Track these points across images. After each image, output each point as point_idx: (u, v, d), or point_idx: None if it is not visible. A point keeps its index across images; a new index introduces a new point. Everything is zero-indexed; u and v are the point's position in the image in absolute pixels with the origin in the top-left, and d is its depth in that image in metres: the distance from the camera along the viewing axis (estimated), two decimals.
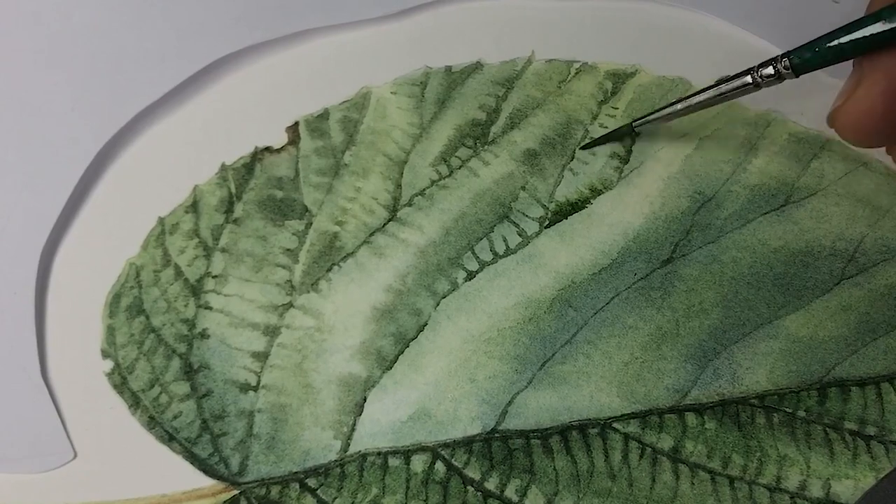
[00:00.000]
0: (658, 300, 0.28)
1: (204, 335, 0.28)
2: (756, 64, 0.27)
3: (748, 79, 0.27)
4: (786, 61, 0.26)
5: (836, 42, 0.25)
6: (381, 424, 0.27)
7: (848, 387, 0.27)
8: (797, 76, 0.26)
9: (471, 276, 0.29)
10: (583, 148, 0.31)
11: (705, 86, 0.28)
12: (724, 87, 0.28)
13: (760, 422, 0.27)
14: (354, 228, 0.30)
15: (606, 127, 0.31)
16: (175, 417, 0.27)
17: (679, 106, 0.29)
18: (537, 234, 0.30)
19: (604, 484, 0.26)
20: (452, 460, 0.26)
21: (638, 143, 0.31)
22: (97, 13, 0.33)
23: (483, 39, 0.33)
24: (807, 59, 0.26)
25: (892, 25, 0.24)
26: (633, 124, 0.30)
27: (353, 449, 0.27)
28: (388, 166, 0.31)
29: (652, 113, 0.29)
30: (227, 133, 0.31)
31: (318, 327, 0.28)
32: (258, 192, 0.30)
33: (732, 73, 0.28)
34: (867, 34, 0.24)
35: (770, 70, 0.27)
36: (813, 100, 0.32)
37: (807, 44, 0.26)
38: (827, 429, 0.27)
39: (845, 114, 0.25)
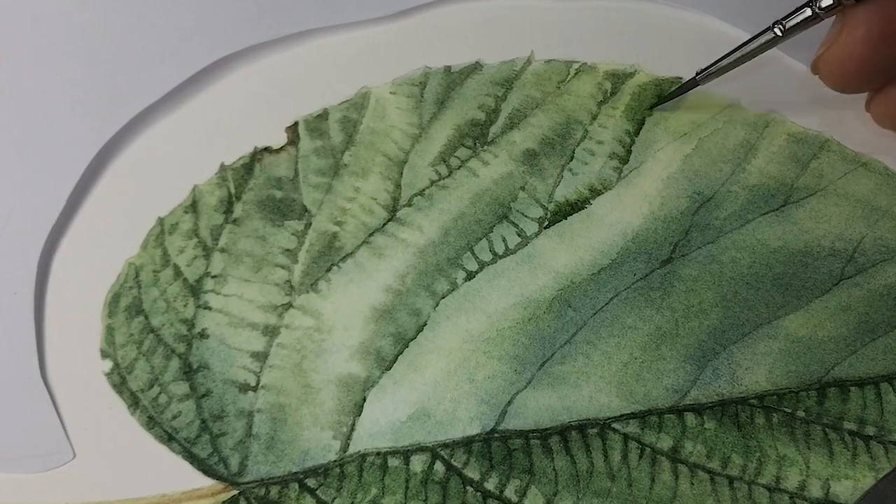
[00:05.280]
0: (657, 300, 0.28)
1: (203, 335, 0.28)
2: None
3: (807, 11, 0.27)
4: None
5: None
6: (381, 424, 0.27)
7: (847, 387, 0.27)
8: (857, 1, 0.26)
9: (470, 276, 0.29)
10: (652, 108, 0.31)
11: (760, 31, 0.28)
12: (784, 26, 0.28)
13: (760, 422, 0.27)
14: (354, 228, 0.30)
15: (606, 127, 0.31)
16: (174, 417, 0.27)
17: (741, 52, 0.29)
18: (536, 234, 0.30)
19: (603, 484, 0.26)
20: (452, 460, 0.26)
21: (637, 143, 0.31)
22: (97, 13, 0.33)
23: (482, 39, 0.33)
24: None
25: None
26: (697, 77, 0.30)
27: (352, 449, 0.27)
28: (388, 166, 0.31)
29: (714, 63, 0.29)
30: (227, 133, 0.31)
31: (317, 327, 0.28)
32: (257, 192, 0.30)
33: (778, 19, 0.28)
34: None
35: (829, 0, 0.27)
36: (812, 100, 0.32)
37: None
38: (826, 429, 0.27)
39: (827, 60, 0.27)
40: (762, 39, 0.28)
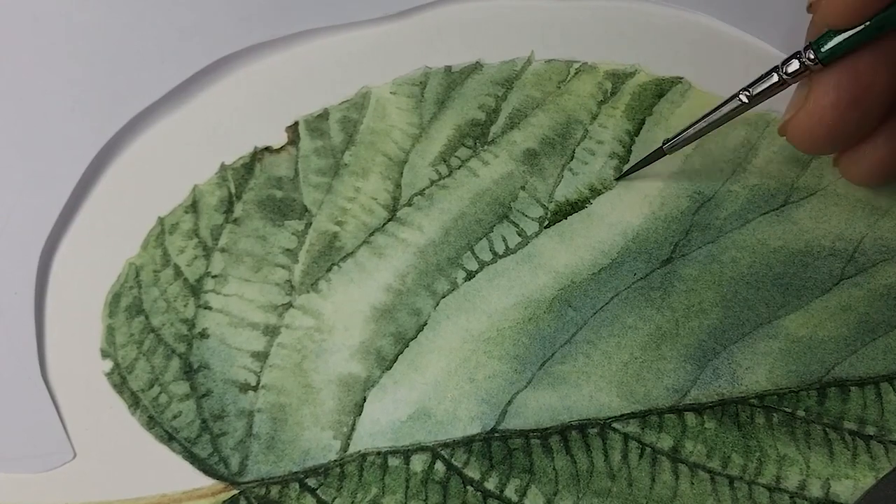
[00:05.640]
0: (657, 300, 0.28)
1: (203, 335, 0.28)
2: (763, 67, 0.27)
3: (774, 77, 0.27)
4: (810, 52, 0.26)
5: (862, 24, 0.25)
6: (381, 424, 0.27)
7: (847, 387, 0.27)
8: (825, 65, 0.26)
9: (470, 275, 0.29)
10: (618, 179, 0.30)
11: (727, 97, 0.28)
12: (750, 92, 0.27)
13: (760, 422, 0.27)
14: (354, 228, 0.30)
15: (606, 127, 0.31)
16: (174, 417, 0.27)
17: (707, 121, 0.28)
18: (537, 233, 0.30)
19: (603, 484, 0.26)
20: (452, 460, 0.26)
21: (637, 143, 0.31)
22: (97, 13, 0.33)
23: (483, 39, 0.33)
24: (834, 45, 0.25)
25: None
26: (664, 147, 0.29)
27: (352, 449, 0.27)
28: (388, 166, 0.31)
29: (681, 133, 0.28)
30: (227, 133, 0.31)
31: (317, 327, 0.28)
32: (258, 192, 0.30)
33: (747, 83, 0.27)
34: None
35: (795, 65, 0.26)
36: None
37: (827, 32, 0.26)
38: (826, 429, 0.27)
39: (796, 126, 0.27)
40: (728, 108, 0.27)
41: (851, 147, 0.28)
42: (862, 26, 0.25)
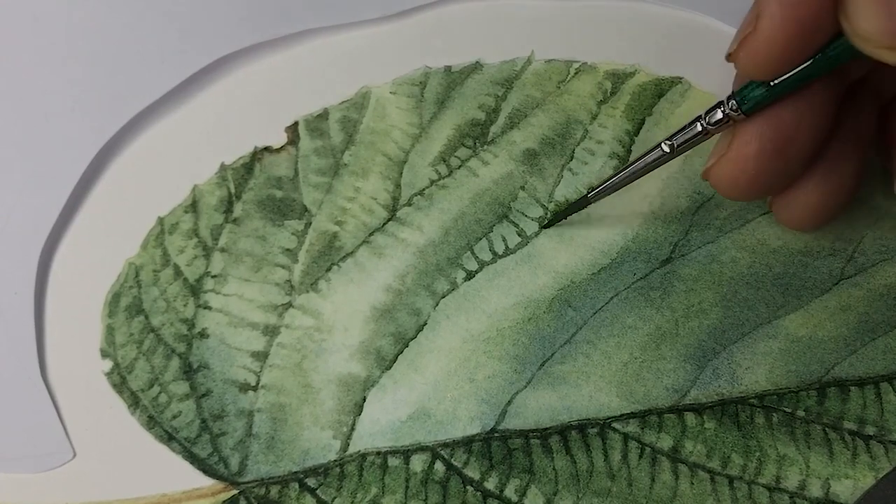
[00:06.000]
0: (657, 300, 0.28)
1: (203, 335, 0.28)
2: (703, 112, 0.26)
3: (698, 127, 0.26)
4: (733, 103, 0.25)
5: (784, 76, 0.25)
6: (381, 424, 0.27)
7: (847, 387, 0.27)
8: (748, 116, 0.25)
9: (470, 275, 0.29)
10: (545, 227, 0.30)
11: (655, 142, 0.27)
12: (675, 141, 0.27)
13: (760, 422, 0.27)
14: (354, 228, 0.30)
15: (606, 127, 0.31)
16: (174, 417, 0.27)
17: (631, 171, 0.27)
18: (536, 234, 0.30)
19: (603, 484, 0.26)
20: (452, 460, 0.26)
21: (637, 143, 0.31)
22: (97, 13, 0.33)
23: (483, 39, 0.33)
24: (757, 96, 0.25)
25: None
26: (589, 195, 0.28)
27: (352, 448, 0.27)
28: (388, 166, 0.31)
29: (606, 181, 0.28)
30: (227, 133, 0.31)
31: (317, 327, 0.28)
32: (257, 191, 0.30)
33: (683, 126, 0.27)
34: (829, 54, 0.24)
35: (719, 115, 0.26)
36: None
37: (750, 82, 0.25)
38: (826, 428, 0.27)
39: (718, 174, 0.26)
40: (651, 157, 0.27)
41: (781, 192, 0.28)
42: (784, 77, 0.24)
